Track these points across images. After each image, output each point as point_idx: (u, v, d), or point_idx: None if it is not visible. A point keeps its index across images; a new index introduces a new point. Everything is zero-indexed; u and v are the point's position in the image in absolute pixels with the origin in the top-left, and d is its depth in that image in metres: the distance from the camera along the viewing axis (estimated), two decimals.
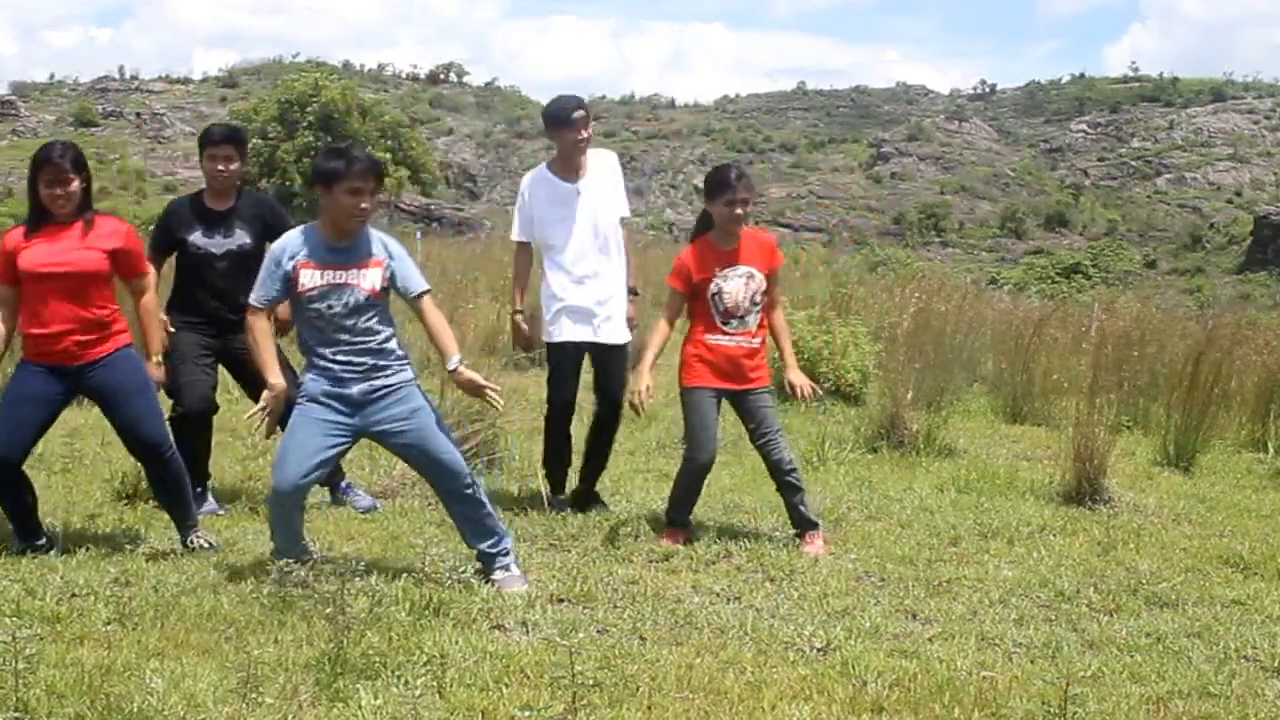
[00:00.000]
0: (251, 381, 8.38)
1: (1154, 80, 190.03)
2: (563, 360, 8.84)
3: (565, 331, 8.73)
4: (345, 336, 6.93)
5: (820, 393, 9.01)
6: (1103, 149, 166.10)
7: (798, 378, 8.36)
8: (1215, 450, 12.45)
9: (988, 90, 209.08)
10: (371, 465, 9.46)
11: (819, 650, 6.20)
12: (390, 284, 7.04)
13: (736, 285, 8.08)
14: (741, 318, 8.09)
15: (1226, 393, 13.19)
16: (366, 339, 6.96)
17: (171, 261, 8.73)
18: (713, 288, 8.09)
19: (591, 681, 5.33)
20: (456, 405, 9.82)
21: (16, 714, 4.79)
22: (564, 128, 8.70)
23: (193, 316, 8.61)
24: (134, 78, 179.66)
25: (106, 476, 9.17)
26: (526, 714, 5.10)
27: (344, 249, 6.96)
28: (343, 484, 9.03)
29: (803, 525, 8.24)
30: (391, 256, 7.06)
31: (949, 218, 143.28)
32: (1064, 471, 10.03)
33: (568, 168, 8.84)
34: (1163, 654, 6.33)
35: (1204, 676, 5.99)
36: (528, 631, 6.30)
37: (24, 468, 7.46)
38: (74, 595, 6.58)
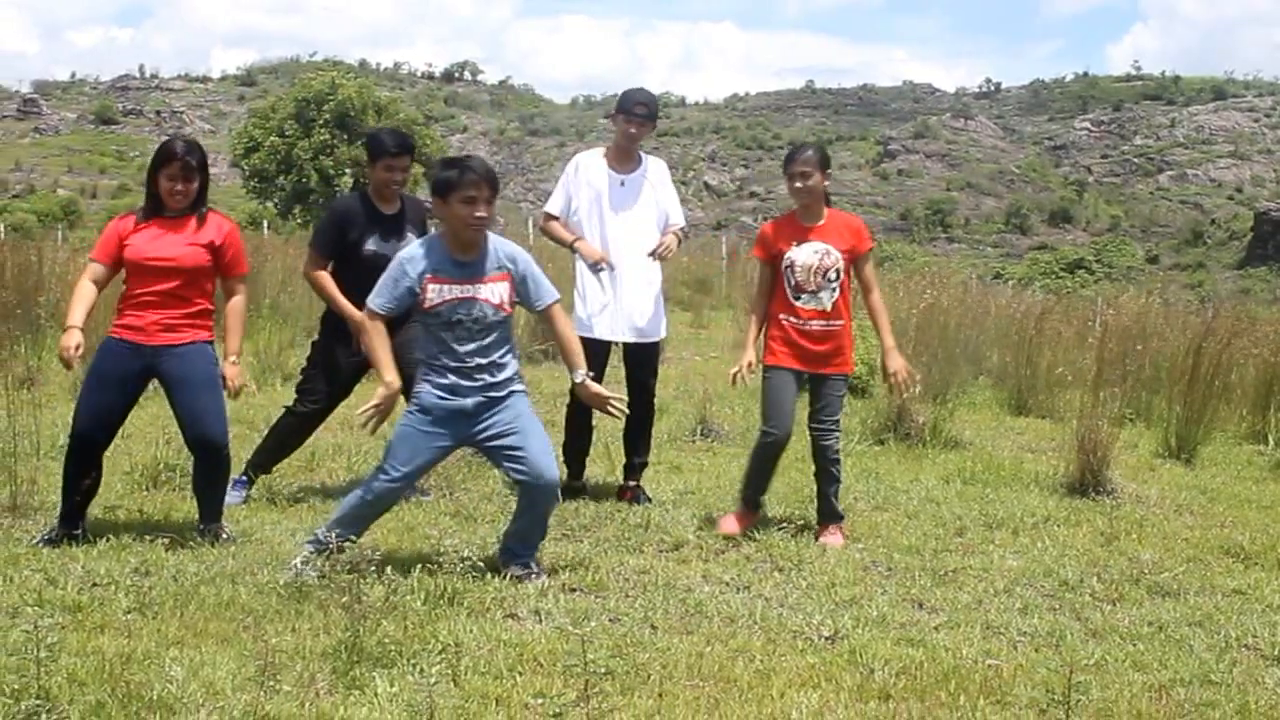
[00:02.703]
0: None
1: (1156, 79, 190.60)
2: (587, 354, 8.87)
3: (598, 329, 8.79)
4: (468, 350, 6.90)
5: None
6: (1106, 146, 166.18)
7: (895, 362, 8.37)
8: (1216, 442, 12.55)
9: (993, 89, 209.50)
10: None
11: (827, 639, 6.24)
12: (519, 297, 7.03)
13: (809, 258, 8.11)
14: (814, 293, 8.12)
15: (1227, 386, 13.27)
16: (489, 353, 6.95)
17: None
18: (785, 260, 8.15)
19: (603, 669, 5.33)
20: None
21: (38, 701, 4.79)
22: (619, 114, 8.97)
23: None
24: (153, 76, 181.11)
25: (126, 468, 9.16)
26: (540, 701, 5.12)
27: (469, 262, 6.91)
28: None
29: (828, 516, 8.33)
30: (518, 266, 7.02)
31: (955, 214, 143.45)
32: (1068, 463, 10.11)
33: (620, 158, 8.99)
34: (1165, 642, 6.38)
35: (1205, 664, 6.04)
36: (541, 620, 6.33)
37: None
38: (95, 585, 6.60)
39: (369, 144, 8.91)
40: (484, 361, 6.93)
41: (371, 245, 8.56)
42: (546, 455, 7.07)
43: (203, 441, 7.56)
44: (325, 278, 8.59)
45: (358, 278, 8.32)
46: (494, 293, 6.90)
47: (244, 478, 8.79)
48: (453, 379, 6.90)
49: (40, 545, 7.35)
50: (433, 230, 7.21)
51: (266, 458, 8.92)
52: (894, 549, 8.01)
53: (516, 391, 7.08)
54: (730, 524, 8.25)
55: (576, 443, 9.15)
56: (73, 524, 7.53)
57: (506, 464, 7.08)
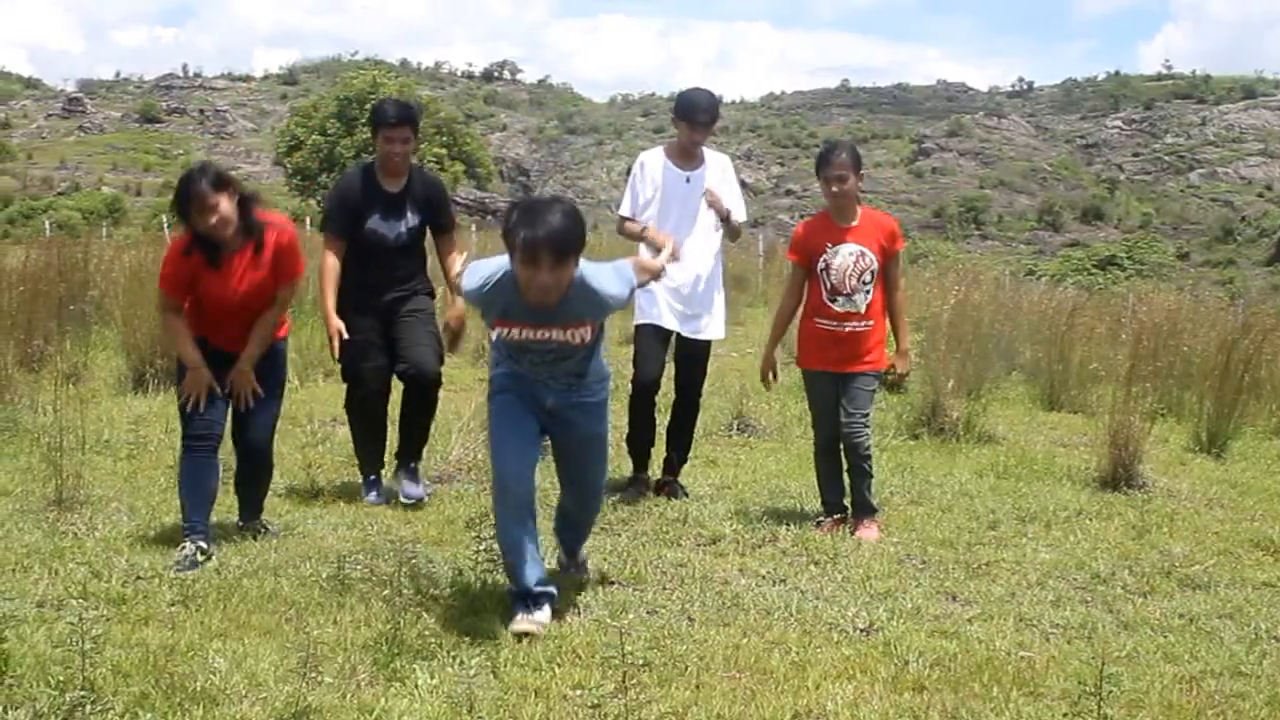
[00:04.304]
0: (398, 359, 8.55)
1: (1187, 78, 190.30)
2: (647, 341, 8.98)
3: (656, 318, 8.87)
4: (540, 365, 6.29)
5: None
6: (1137, 144, 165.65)
7: (903, 366, 8.84)
8: (1246, 437, 12.56)
9: (1026, 87, 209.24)
10: (428, 451, 9.39)
11: (862, 631, 6.28)
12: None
13: (845, 261, 8.14)
14: (849, 295, 8.15)
15: (1257, 381, 13.31)
16: (564, 366, 6.31)
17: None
18: (821, 263, 8.18)
19: (641, 661, 5.35)
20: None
21: (83, 693, 4.83)
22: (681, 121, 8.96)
23: (361, 299, 8.40)
24: (197, 75, 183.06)
25: (170, 463, 9.05)
26: (578, 693, 5.19)
27: (545, 312, 6.05)
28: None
29: (862, 510, 8.35)
30: (600, 316, 6.31)
31: (988, 211, 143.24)
32: (1100, 457, 10.14)
33: (683, 154, 9.03)
34: (1195, 634, 6.40)
35: (1235, 656, 6.07)
36: (579, 613, 6.35)
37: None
38: (139, 578, 6.63)
39: (371, 114, 8.67)
40: (558, 372, 6.33)
41: (370, 224, 8.40)
42: (593, 490, 6.84)
43: (250, 446, 7.62)
44: (327, 268, 8.36)
45: (358, 255, 8.40)
46: (573, 335, 6.17)
47: (372, 478, 8.80)
48: (529, 382, 6.37)
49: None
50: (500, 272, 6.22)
51: (370, 450, 8.84)
52: (928, 542, 8.04)
53: (603, 403, 6.60)
54: (826, 529, 8.26)
55: (640, 436, 9.14)
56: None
57: (560, 469, 6.79)
